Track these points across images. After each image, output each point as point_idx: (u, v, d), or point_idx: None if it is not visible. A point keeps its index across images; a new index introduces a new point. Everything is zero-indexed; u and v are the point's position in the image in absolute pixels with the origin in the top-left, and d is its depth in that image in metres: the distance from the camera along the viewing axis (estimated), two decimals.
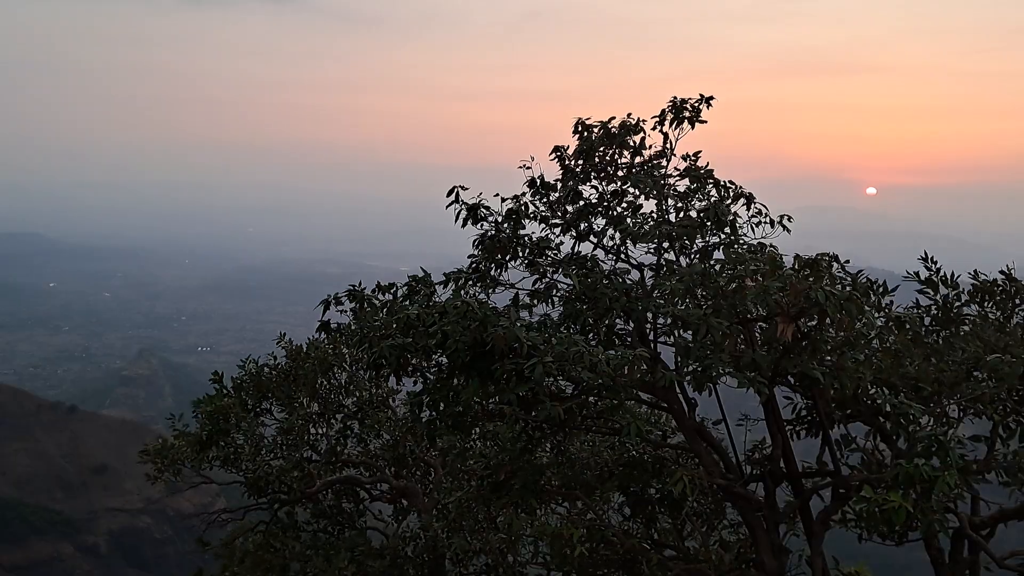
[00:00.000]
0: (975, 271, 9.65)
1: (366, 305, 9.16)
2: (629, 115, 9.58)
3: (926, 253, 9.62)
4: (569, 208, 9.61)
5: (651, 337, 8.82)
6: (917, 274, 9.63)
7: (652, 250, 9.10)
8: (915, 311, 9.44)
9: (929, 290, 9.58)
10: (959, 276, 9.61)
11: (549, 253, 9.39)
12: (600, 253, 9.48)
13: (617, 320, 8.84)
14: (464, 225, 9.23)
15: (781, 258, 7.88)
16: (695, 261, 8.90)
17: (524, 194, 9.54)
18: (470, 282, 9.19)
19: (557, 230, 9.54)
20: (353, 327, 9.23)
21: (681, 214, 9.20)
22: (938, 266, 9.60)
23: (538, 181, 9.61)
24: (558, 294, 9.02)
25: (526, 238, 9.37)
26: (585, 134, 9.65)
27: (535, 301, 9.02)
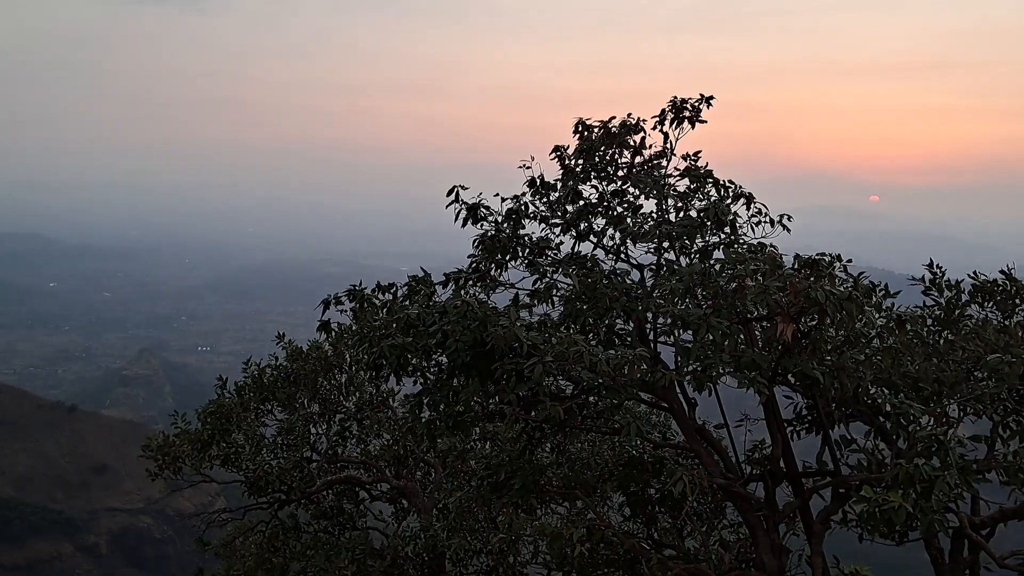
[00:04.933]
0: (975, 271, 9.65)
1: (366, 305, 9.17)
2: (629, 115, 9.59)
3: (932, 260, 9.63)
4: (569, 208, 9.61)
5: (651, 337, 8.81)
6: (923, 278, 9.64)
7: (652, 250, 9.09)
8: (918, 311, 9.45)
9: (934, 291, 9.60)
10: (962, 280, 9.62)
11: (549, 253, 9.38)
12: (600, 253, 9.48)
13: (617, 320, 8.83)
14: (464, 225, 9.23)
15: (781, 258, 7.87)
16: (695, 261, 8.88)
17: (524, 194, 9.54)
18: (470, 282, 9.18)
19: (557, 230, 9.54)
20: (353, 327, 9.24)
21: (681, 214, 9.19)
22: (943, 270, 9.61)
23: (538, 181, 9.61)
24: (558, 294, 9.00)
25: (526, 238, 9.37)
26: (585, 134, 9.64)
27: (535, 301, 9.01)
